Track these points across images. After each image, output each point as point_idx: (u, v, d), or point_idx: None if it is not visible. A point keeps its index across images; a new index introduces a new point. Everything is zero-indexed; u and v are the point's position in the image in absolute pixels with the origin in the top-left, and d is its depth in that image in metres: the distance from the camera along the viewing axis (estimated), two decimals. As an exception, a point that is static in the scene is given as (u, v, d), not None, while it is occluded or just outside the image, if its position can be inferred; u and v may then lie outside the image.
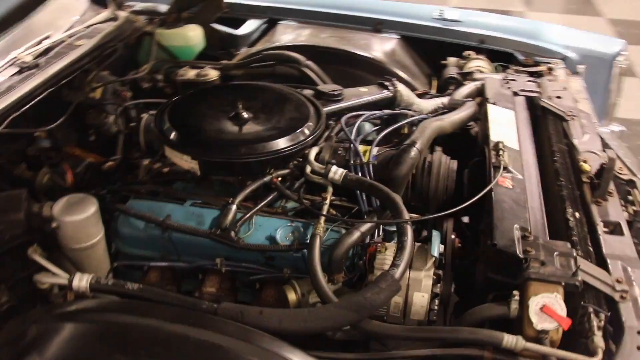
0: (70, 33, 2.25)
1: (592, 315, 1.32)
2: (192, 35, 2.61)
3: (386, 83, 2.16)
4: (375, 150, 1.76)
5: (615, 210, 1.65)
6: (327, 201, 1.59)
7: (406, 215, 1.46)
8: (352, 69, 2.53)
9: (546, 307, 1.28)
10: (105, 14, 2.52)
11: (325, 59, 2.50)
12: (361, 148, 1.77)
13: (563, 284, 1.31)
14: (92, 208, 1.53)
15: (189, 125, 1.73)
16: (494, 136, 1.77)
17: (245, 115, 1.75)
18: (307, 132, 1.73)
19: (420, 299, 1.43)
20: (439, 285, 1.44)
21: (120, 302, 1.33)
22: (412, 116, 1.99)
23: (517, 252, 1.37)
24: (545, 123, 2.01)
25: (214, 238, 1.54)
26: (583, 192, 1.70)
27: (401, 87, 2.17)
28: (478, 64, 2.55)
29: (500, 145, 1.70)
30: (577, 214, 1.63)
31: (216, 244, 1.55)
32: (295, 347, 1.21)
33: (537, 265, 1.34)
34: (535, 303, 1.28)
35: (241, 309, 1.30)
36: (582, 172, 1.74)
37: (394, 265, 1.36)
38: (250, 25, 2.91)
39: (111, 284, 1.37)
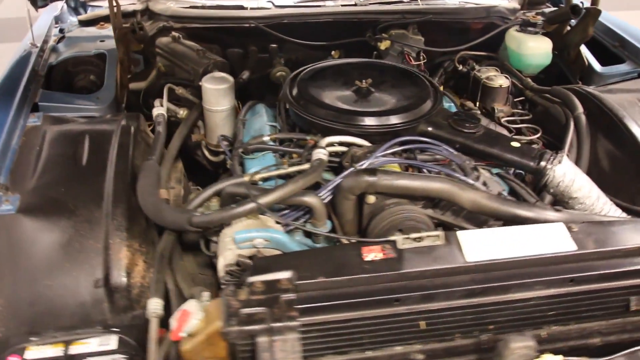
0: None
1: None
2: (530, 46, 2.52)
3: (548, 155, 1.76)
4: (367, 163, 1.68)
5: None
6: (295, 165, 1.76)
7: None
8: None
9: (182, 312, 1.28)
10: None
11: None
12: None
13: (222, 321, 1.23)
14: (223, 85, 2.15)
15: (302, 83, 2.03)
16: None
17: (362, 88, 1.96)
18: (365, 123, 1.81)
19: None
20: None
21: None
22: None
23: (248, 278, 1.31)
24: None
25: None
26: None
27: (562, 171, 1.73)
28: None
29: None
30: None
31: None
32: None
33: (241, 297, 1.27)
34: (188, 303, 1.29)
35: None
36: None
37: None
38: (619, 68, 2.50)
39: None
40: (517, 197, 1.82)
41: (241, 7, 2.57)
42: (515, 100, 2.54)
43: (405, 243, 1.35)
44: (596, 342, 1.39)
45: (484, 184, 1.64)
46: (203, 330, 1.25)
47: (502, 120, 2.37)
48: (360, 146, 1.79)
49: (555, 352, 1.30)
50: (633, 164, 1.94)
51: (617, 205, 1.89)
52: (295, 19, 2.49)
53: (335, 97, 1.92)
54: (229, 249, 1.50)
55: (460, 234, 1.40)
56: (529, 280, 1.34)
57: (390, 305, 1.30)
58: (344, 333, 1.29)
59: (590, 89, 2.26)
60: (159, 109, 2.10)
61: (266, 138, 1.89)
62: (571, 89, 2.27)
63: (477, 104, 2.53)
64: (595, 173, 2.05)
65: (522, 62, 2.55)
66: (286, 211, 1.65)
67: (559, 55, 2.68)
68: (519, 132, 2.37)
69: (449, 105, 2.29)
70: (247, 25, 2.46)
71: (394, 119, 1.81)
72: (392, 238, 1.36)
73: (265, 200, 1.52)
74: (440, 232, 1.37)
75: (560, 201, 1.79)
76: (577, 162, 2.04)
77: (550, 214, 1.52)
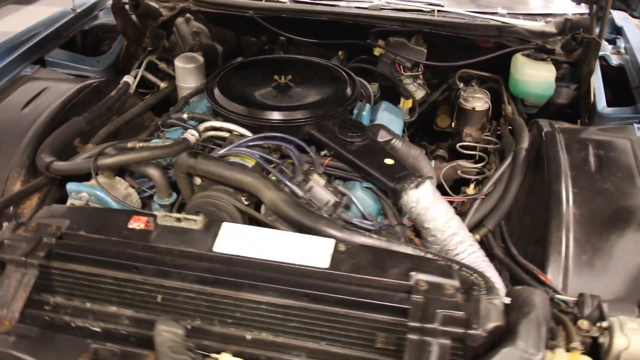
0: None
1: None
2: (527, 72, 2.31)
3: (409, 178, 1.66)
4: (222, 150, 1.76)
5: None
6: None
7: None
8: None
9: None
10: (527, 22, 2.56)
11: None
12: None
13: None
14: (191, 64, 2.35)
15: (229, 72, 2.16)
16: None
17: (280, 84, 2.03)
18: (246, 114, 1.90)
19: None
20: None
21: None
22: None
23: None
24: None
25: None
26: None
27: (415, 196, 1.63)
28: None
29: None
30: None
31: None
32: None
33: (18, 231, 1.46)
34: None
35: None
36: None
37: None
38: (621, 111, 2.18)
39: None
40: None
41: None
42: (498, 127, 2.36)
43: (164, 220, 1.43)
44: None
45: (309, 189, 1.62)
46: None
47: (459, 145, 2.24)
48: (242, 135, 1.87)
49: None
50: (539, 212, 1.73)
51: (507, 252, 1.73)
52: (293, 15, 2.57)
53: (252, 89, 2.01)
54: (70, 199, 1.71)
55: (225, 225, 1.43)
56: (261, 284, 1.33)
57: (130, 272, 1.40)
58: (86, 284, 1.42)
59: (558, 125, 2.03)
60: (127, 77, 2.36)
61: (184, 116, 2.05)
62: (536, 122, 2.05)
63: (453, 123, 2.41)
64: (515, 212, 1.88)
65: (518, 88, 2.36)
66: (145, 178, 1.81)
67: (577, 88, 2.42)
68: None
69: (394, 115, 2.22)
70: (247, 14, 2.61)
71: (276, 115, 1.85)
72: (156, 213, 1.45)
73: (102, 161, 1.70)
74: (199, 218, 1.42)
75: (417, 228, 1.68)
76: (502, 197, 1.89)
77: (339, 232, 1.46)
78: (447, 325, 1.23)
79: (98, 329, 1.40)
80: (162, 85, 2.49)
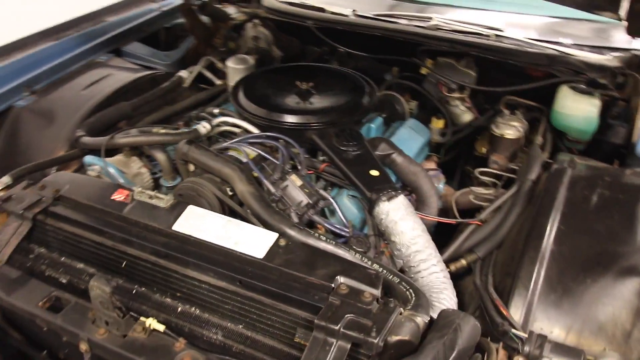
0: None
1: None
2: (565, 105, 2.21)
3: (386, 190, 1.69)
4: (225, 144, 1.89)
5: None
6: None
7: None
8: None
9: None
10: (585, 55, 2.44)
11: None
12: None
13: None
14: (240, 65, 2.52)
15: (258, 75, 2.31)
16: None
17: (301, 90, 2.15)
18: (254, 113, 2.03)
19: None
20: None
21: None
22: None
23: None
24: None
25: None
26: None
27: (385, 208, 1.66)
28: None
29: None
30: None
31: None
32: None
33: (27, 189, 1.71)
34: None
35: None
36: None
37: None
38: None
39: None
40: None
41: (322, 10, 2.85)
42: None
43: (140, 196, 1.59)
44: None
45: (284, 188, 1.70)
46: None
47: (477, 170, 2.20)
48: (249, 132, 2.00)
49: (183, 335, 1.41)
50: (522, 244, 1.67)
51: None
52: (349, 28, 2.66)
53: (275, 92, 2.13)
54: (88, 170, 1.95)
55: (191, 207, 1.56)
56: (203, 264, 1.45)
57: (103, 237, 1.57)
58: (67, 242, 1.62)
59: (584, 161, 1.92)
60: (182, 72, 2.59)
61: (216, 111, 2.23)
62: (557, 156, 1.97)
63: (484, 149, 2.36)
64: (508, 242, 1.83)
65: (557, 120, 2.26)
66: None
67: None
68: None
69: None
70: (305, 24, 2.74)
71: (284, 118, 1.96)
72: (134, 188, 1.62)
73: (116, 140, 1.91)
74: (167, 197, 1.56)
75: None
76: (499, 226, 1.85)
77: (289, 229, 1.53)
78: (350, 330, 1.25)
79: (64, 281, 1.58)
80: (218, 82, 2.68)
